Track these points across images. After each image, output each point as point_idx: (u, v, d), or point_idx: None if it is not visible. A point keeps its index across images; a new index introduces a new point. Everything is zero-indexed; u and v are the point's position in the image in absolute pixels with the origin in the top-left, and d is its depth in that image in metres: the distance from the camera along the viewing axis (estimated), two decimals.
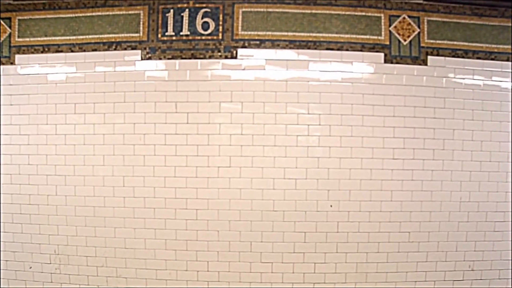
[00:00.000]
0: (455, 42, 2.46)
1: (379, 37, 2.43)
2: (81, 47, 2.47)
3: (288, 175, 2.39)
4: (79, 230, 2.47)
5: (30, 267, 2.51)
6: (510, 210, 2.47)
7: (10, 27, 2.50)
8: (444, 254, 2.45)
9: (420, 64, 2.44)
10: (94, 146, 2.45)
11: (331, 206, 2.40)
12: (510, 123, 2.47)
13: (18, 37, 2.50)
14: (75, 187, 2.46)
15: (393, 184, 2.41)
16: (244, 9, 2.42)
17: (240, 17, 2.42)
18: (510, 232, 2.48)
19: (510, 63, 2.47)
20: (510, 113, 2.47)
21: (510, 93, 2.48)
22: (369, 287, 2.43)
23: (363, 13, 2.42)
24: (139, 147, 2.42)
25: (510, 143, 2.47)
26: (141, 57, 2.44)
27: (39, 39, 2.49)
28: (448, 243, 2.44)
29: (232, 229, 2.40)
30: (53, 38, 2.48)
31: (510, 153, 2.47)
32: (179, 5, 2.43)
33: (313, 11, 2.41)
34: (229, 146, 2.39)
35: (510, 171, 2.47)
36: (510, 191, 2.47)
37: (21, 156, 2.49)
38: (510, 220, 2.47)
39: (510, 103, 2.47)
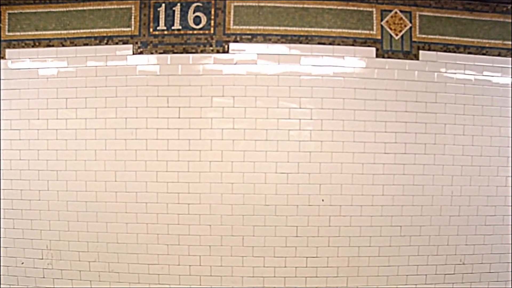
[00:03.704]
0: (446, 37, 2.46)
1: (371, 32, 2.43)
2: (72, 41, 2.46)
3: (280, 170, 2.39)
4: (71, 225, 2.46)
5: (22, 263, 2.51)
6: (501, 204, 2.48)
7: (0, 21, 2.49)
8: (435, 248, 2.46)
9: (411, 59, 2.44)
10: (86, 141, 2.44)
11: (322, 200, 2.40)
12: (502, 117, 2.48)
13: (9, 31, 2.49)
14: (67, 182, 2.45)
15: (384, 178, 2.41)
16: (236, 4, 2.41)
17: (232, 11, 2.41)
18: (501, 226, 2.49)
19: (501, 58, 2.48)
20: (502, 108, 2.48)
21: (502, 88, 2.49)
22: (361, 281, 2.44)
23: (355, 8, 2.42)
24: (131, 141, 2.42)
25: (501, 138, 2.48)
26: (133, 52, 2.43)
27: (29, 33, 2.48)
28: (440, 237, 2.46)
29: (224, 224, 2.41)
30: (44, 32, 2.47)
31: (501, 148, 2.48)
32: (170, 0, 2.42)
33: (305, 6, 2.41)
34: (221, 140, 2.39)
35: (501, 165, 2.48)
36: (501, 185, 2.48)
37: (12, 151, 2.48)
38: (501, 214, 2.49)
39: (502, 98, 2.48)
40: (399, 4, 2.45)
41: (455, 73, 2.46)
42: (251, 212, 2.40)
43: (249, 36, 2.41)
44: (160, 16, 2.43)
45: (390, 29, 2.44)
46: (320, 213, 2.40)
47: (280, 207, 2.40)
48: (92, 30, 2.45)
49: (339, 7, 2.42)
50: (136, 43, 2.43)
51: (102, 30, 2.45)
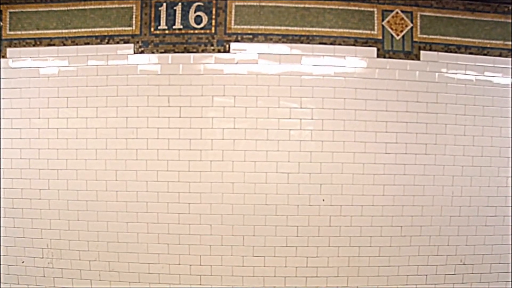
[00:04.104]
0: (447, 37, 2.46)
1: (372, 32, 2.43)
2: (74, 40, 2.46)
3: (280, 169, 2.39)
4: (72, 224, 2.46)
5: (23, 262, 2.51)
6: (502, 204, 2.48)
7: (1, 20, 2.48)
8: (436, 248, 2.46)
9: (413, 59, 2.44)
10: (86, 140, 2.44)
11: (323, 200, 2.40)
12: (502, 118, 2.48)
13: (10, 30, 2.49)
14: (67, 181, 2.45)
15: (385, 178, 2.41)
16: (237, 3, 2.41)
17: (233, 11, 2.41)
18: (502, 226, 2.49)
19: (502, 58, 2.48)
20: (502, 108, 2.48)
21: (503, 88, 2.49)
22: (361, 281, 2.44)
23: (356, 8, 2.42)
24: (132, 141, 2.42)
25: (502, 138, 2.48)
26: (134, 51, 2.43)
27: (31, 32, 2.48)
28: (440, 237, 2.46)
29: (224, 223, 2.40)
30: (45, 31, 2.47)
31: (502, 148, 2.48)
32: None
33: (306, 5, 2.41)
34: (221, 140, 2.39)
35: (502, 166, 2.48)
36: (502, 185, 2.48)
37: (13, 150, 2.48)
38: (502, 214, 2.49)
39: (503, 98, 2.48)
40: (400, 4, 2.44)
41: (456, 74, 2.46)
42: (251, 211, 2.40)
43: (250, 36, 2.41)
44: (161, 16, 2.43)
45: (391, 29, 2.44)
46: (321, 213, 2.40)
47: (280, 207, 2.40)
48: (93, 29, 2.45)
49: (340, 7, 2.42)
50: (137, 42, 2.43)
51: (103, 29, 2.45)
